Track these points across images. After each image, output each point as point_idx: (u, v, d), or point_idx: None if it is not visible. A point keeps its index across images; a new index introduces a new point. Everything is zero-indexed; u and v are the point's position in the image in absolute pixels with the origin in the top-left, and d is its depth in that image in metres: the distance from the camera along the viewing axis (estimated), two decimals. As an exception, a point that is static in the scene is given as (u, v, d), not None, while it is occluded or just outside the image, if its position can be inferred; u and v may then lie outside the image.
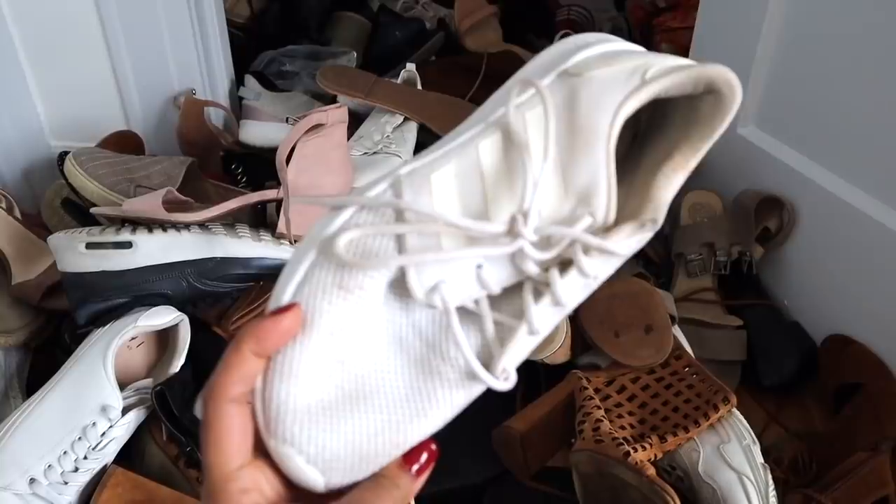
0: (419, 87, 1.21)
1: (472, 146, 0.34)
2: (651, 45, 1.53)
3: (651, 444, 0.74)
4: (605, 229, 0.34)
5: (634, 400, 0.81)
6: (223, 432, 0.31)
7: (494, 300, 0.34)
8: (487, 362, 0.33)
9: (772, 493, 0.75)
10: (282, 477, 0.33)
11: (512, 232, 0.32)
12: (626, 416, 0.78)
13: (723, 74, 0.34)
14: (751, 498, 0.74)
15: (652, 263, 1.07)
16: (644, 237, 0.35)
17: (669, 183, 0.36)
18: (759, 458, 0.77)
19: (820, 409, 0.92)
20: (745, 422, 0.80)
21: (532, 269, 0.33)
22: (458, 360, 0.33)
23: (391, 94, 1.14)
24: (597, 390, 0.80)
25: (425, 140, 1.11)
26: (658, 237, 1.10)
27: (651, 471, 0.68)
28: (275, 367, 0.31)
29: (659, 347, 0.83)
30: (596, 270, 0.33)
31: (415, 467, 0.33)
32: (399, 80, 1.21)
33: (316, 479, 0.32)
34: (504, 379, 0.33)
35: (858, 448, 0.80)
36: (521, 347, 0.33)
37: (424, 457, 0.33)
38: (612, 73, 0.35)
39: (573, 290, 0.33)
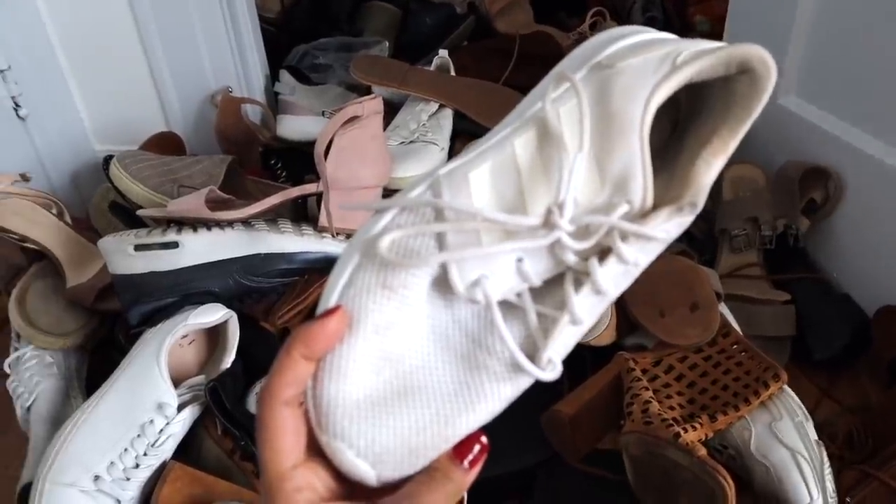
0: (452, 73, 1.21)
1: (509, 143, 0.35)
2: (684, 17, 1.50)
3: (701, 424, 0.73)
4: (643, 215, 0.34)
5: (683, 380, 0.80)
6: (276, 433, 0.32)
7: (537, 293, 0.34)
8: (532, 354, 0.33)
9: (827, 470, 0.74)
10: (335, 475, 0.34)
11: (548, 224, 0.32)
12: (674, 396, 0.78)
13: (756, 53, 0.34)
14: (805, 476, 0.73)
15: (695, 241, 1.06)
16: (683, 221, 0.35)
17: (709, 167, 0.35)
18: (813, 435, 0.76)
19: (874, 382, 0.90)
20: (796, 398, 0.79)
21: (571, 259, 0.33)
22: (503, 354, 0.33)
23: (425, 81, 1.14)
24: (644, 371, 0.80)
25: (461, 126, 1.11)
26: (700, 214, 1.08)
27: (702, 451, 0.67)
28: (324, 365, 0.32)
29: (706, 326, 0.82)
30: (635, 256, 0.34)
31: (467, 460, 0.33)
32: (432, 67, 1.21)
33: (367, 472, 0.32)
34: (550, 370, 0.33)
35: (916, 421, 0.78)
36: (565, 338, 0.34)
37: (476, 449, 0.33)
38: (644, 62, 0.35)
39: (613, 277, 0.34)
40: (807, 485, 0.73)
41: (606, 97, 0.34)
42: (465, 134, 1.09)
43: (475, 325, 0.34)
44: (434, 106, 1.11)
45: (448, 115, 1.11)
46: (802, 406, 0.79)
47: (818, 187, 0.98)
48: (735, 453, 0.78)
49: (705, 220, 1.07)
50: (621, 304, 0.83)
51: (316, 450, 0.34)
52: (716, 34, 1.16)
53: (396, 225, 0.34)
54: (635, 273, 0.35)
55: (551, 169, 0.34)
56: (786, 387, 0.80)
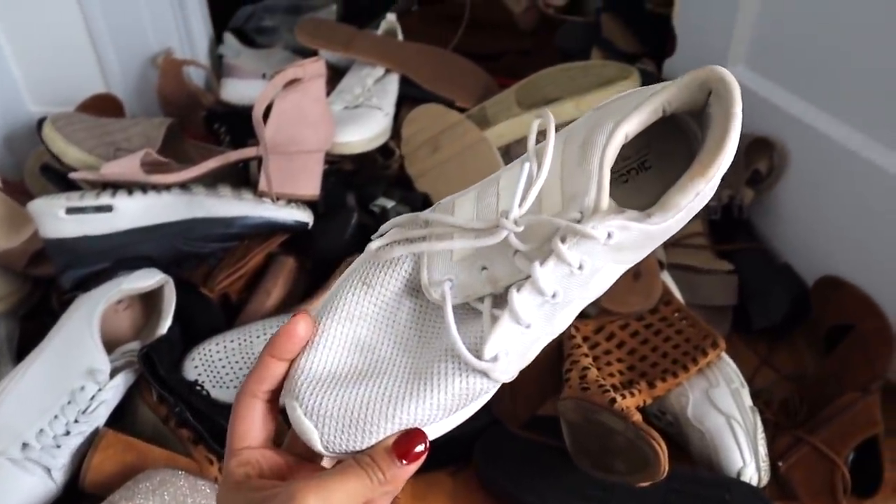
0: (400, 37, 1.19)
1: (496, 176, 0.39)
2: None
3: (640, 391, 0.74)
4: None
5: (623, 347, 0.81)
6: (237, 418, 0.36)
7: (502, 301, 0.36)
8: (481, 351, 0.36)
9: (760, 435, 0.75)
10: (288, 464, 0.37)
11: (497, 226, 0.35)
12: (614, 363, 0.78)
13: (713, 72, 0.36)
14: (739, 440, 0.74)
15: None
16: (628, 225, 0.35)
17: (684, 190, 0.35)
18: (748, 401, 0.78)
19: (812, 351, 0.92)
20: (734, 365, 0.81)
21: (522, 262, 0.35)
22: (451, 347, 0.35)
23: (372, 46, 1.12)
24: (585, 339, 0.80)
25: (407, 92, 1.09)
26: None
27: (637, 416, 0.68)
28: (307, 345, 0.37)
29: (648, 294, 0.82)
30: (578, 258, 0.35)
31: (405, 457, 0.34)
32: (380, 32, 1.19)
33: (311, 430, 0.35)
34: (496, 366, 0.35)
35: (849, 389, 0.80)
36: (509, 335, 0.35)
37: (417, 448, 0.35)
38: (627, 98, 0.38)
39: (558, 278, 0.35)
40: (740, 449, 0.74)
41: (582, 132, 0.37)
42: (412, 99, 1.08)
43: (437, 325, 0.37)
44: (380, 71, 1.08)
45: (394, 80, 1.09)
46: (739, 373, 0.80)
47: (763, 158, 0.99)
48: (673, 419, 0.79)
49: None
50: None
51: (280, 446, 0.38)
52: None
53: (389, 235, 0.38)
54: (586, 279, 0.36)
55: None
56: (724, 354, 0.81)
